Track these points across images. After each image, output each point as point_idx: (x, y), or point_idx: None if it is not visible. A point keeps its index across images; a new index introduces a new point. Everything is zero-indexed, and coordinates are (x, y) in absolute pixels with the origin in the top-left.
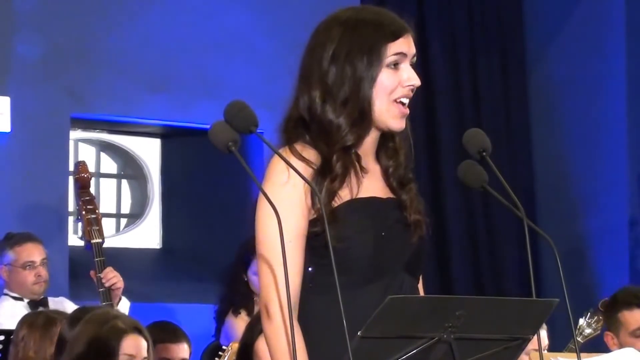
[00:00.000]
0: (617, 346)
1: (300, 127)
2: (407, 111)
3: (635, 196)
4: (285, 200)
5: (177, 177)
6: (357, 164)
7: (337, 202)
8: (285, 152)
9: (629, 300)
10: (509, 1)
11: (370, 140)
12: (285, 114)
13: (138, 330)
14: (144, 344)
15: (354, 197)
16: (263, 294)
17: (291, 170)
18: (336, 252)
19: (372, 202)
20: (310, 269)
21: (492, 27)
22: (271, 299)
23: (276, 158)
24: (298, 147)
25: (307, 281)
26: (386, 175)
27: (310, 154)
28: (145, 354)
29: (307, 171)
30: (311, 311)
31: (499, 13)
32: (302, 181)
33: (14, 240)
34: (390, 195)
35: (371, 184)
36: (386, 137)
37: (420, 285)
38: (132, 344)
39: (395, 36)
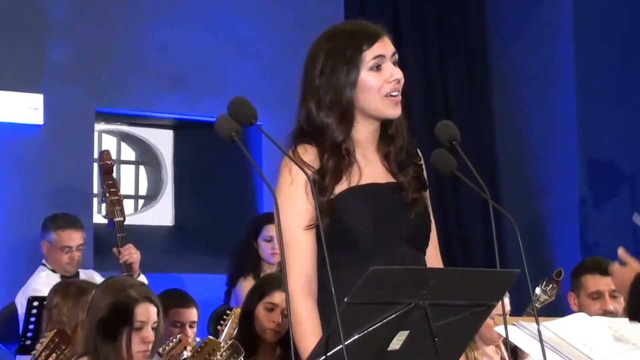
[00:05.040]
0: (576, 306)
1: (304, 136)
2: (399, 98)
3: (584, 180)
4: (292, 197)
5: (187, 164)
6: (347, 157)
7: (336, 192)
8: (290, 154)
9: (593, 266)
10: (473, 10)
11: (369, 134)
12: (292, 129)
13: (149, 299)
14: (153, 310)
15: (351, 185)
16: (285, 275)
17: (293, 172)
18: (339, 233)
19: (370, 187)
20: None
21: (459, 33)
22: (290, 278)
23: (283, 165)
24: (300, 150)
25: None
26: (387, 161)
27: (311, 155)
28: (155, 318)
29: (307, 172)
30: (323, 284)
31: (465, 21)
32: (303, 181)
33: (58, 223)
34: (391, 179)
35: (372, 172)
36: (385, 127)
37: (432, 256)
38: (144, 311)
39: (371, 42)
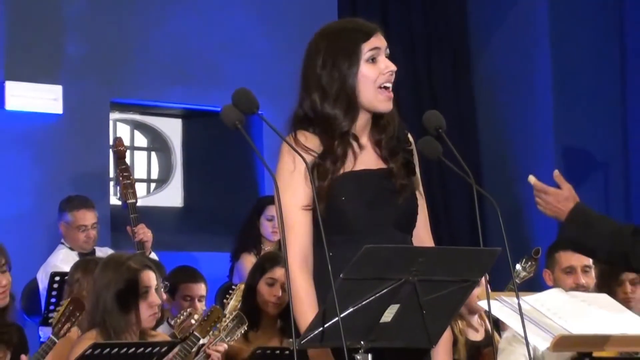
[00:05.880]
0: (552, 281)
1: (304, 121)
2: (392, 95)
3: (560, 166)
4: (293, 182)
5: (195, 150)
6: (354, 143)
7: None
8: (290, 140)
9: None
10: (456, 7)
11: (363, 122)
12: (292, 113)
13: (147, 266)
14: (153, 275)
15: (346, 170)
16: (285, 251)
17: (295, 158)
18: (333, 215)
19: (363, 173)
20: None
21: (443, 30)
22: (289, 255)
23: (284, 148)
24: (301, 137)
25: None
26: (379, 147)
27: (313, 142)
28: (155, 282)
29: (308, 158)
30: (317, 262)
31: (449, 18)
32: (304, 167)
33: (73, 204)
34: (382, 165)
35: (365, 158)
36: (377, 116)
37: (424, 234)
38: (146, 277)
39: (367, 36)
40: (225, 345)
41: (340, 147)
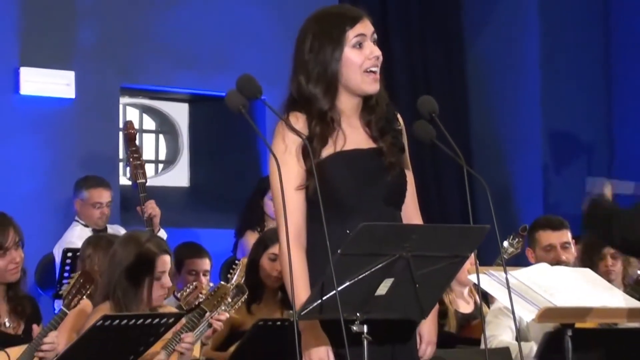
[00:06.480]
0: (534, 259)
1: (296, 104)
2: (378, 77)
3: (546, 148)
4: (287, 162)
5: (201, 133)
6: (331, 124)
7: (324, 156)
8: (281, 123)
9: (545, 223)
10: (450, 1)
11: (354, 105)
12: (285, 96)
13: (165, 251)
14: (169, 259)
15: (337, 150)
16: (277, 227)
17: (286, 139)
18: (325, 193)
19: (353, 153)
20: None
21: (438, 21)
22: (280, 231)
23: (275, 131)
24: (292, 118)
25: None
26: (369, 128)
27: (301, 123)
28: (169, 265)
29: (297, 140)
30: (310, 238)
31: (443, 7)
32: (295, 147)
33: (89, 183)
34: (373, 145)
35: (356, 138)
36: (366, 98)
37: (412, 211)
38: (163, 262)
39: (353, 22)
40: (227, 315)
41: (318, 126)
